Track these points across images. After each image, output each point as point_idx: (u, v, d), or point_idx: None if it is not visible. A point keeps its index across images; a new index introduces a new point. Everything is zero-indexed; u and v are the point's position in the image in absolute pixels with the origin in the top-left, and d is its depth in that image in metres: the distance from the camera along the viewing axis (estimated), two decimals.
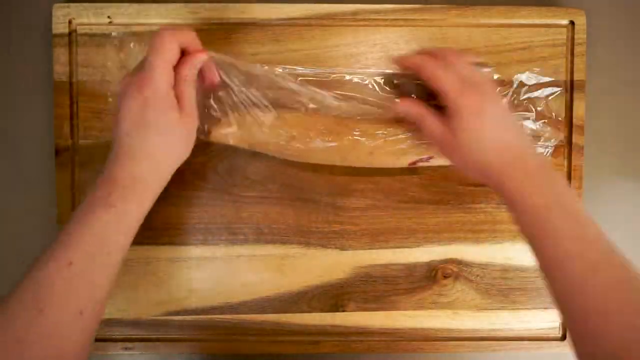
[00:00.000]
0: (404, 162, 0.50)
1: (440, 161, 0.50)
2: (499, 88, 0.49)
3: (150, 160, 0.43)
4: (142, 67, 0.43)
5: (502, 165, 0.43)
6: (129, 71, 0.45)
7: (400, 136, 0.49)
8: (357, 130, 0.49)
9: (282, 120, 0.49)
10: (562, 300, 0.40)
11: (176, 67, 0.43)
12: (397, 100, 0.49)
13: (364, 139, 0.49)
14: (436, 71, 0.45)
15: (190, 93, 0.44)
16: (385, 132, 0.49)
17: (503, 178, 0.43)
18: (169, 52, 0.42)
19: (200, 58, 0.45)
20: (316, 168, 0.53)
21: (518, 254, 0.54)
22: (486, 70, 0.48)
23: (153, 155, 0.43)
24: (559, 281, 0.40)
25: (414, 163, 0.50)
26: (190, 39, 0.44)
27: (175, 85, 0.43)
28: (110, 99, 0.52)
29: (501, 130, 0.44)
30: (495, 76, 0.52)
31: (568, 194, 0.42)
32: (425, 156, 0.50)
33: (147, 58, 0.42)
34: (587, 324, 0.37)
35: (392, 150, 0.50)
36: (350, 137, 0.49)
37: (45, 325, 0.36)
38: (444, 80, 0.44)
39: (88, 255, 0.38)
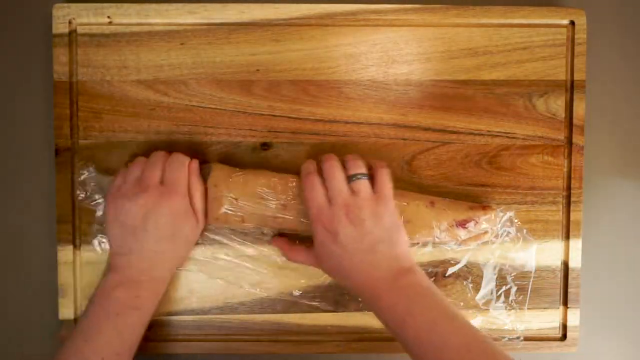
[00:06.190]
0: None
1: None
2: (386, 190, 0.47)
3: (172, 266, 0.50)
4: (139, 179, 0.47)
5: (359, 285, 0.46)
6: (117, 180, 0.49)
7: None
8: None
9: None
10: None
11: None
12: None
13: None
14: (308, 193, 0.47)
15: (200, 200, 0.49)
16: None
17: (361, 294, 0.46)
18: (185, 169, 0.48)
19: (196, 163, 0.50)
20: None
21: (518, 255, 0.54)
22: (364, 179, 0.46)
23: (175, 261, 0.50)
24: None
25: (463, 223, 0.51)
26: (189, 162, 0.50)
27: (189, 195, 0.49)
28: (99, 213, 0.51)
29: (358, 252, 0.45)
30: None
31: (424, 299, 0.44)
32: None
33: (168, 175, 0.48)
34: None
35: None
36: None
37: None
38: (310, 203, 0.47)
39: (117, 354, 0.44)
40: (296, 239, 0.52)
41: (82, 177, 0.51)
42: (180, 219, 0.47)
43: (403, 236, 0.47)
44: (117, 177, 0.49)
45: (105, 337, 0.44)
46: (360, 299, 0.48)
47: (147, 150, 0.52)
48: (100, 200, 0.51)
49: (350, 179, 0.47)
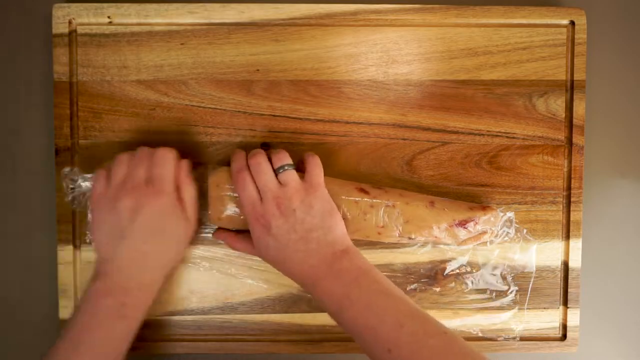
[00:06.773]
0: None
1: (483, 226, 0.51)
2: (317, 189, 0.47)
3: (162, 268, 0.48)
4: (125, 179, 0.46)
5: (297, 274, 0.46)
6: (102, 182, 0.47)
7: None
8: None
9: None
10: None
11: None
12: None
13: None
14: (240, 191, 0.47)
15: (191, 199, 0.48)
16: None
17: (302, 284, 0.47)
18: (172, 166, 0.47)
19: (187, 163, 0.49)
20: None
21: (518, 255, 0.54)
22: (290, 170, 0.47)
23: (165, 263, 0.48)
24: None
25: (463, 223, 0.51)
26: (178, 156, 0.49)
27: (178, 194, 0.47)
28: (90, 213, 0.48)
29: (292, 242, 0.45)
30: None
31: (359, 280, 0.44)
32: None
33: (153, 172, 0.46)
34: None
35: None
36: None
37: None
38: (242, 200, 0.47)
39: None
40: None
41: (67, 183, 0.49)
42: (169, 217, 0.46)
43: (337, 221, 0.47)
44: (98, 179, 0.47)
45: (89, 347, 0.43)
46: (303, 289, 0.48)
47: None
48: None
49: (277, 171, 0.47)
